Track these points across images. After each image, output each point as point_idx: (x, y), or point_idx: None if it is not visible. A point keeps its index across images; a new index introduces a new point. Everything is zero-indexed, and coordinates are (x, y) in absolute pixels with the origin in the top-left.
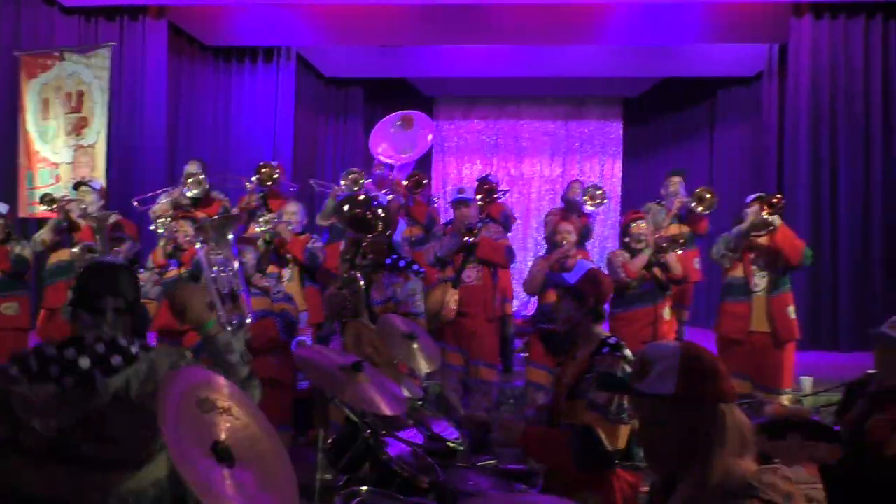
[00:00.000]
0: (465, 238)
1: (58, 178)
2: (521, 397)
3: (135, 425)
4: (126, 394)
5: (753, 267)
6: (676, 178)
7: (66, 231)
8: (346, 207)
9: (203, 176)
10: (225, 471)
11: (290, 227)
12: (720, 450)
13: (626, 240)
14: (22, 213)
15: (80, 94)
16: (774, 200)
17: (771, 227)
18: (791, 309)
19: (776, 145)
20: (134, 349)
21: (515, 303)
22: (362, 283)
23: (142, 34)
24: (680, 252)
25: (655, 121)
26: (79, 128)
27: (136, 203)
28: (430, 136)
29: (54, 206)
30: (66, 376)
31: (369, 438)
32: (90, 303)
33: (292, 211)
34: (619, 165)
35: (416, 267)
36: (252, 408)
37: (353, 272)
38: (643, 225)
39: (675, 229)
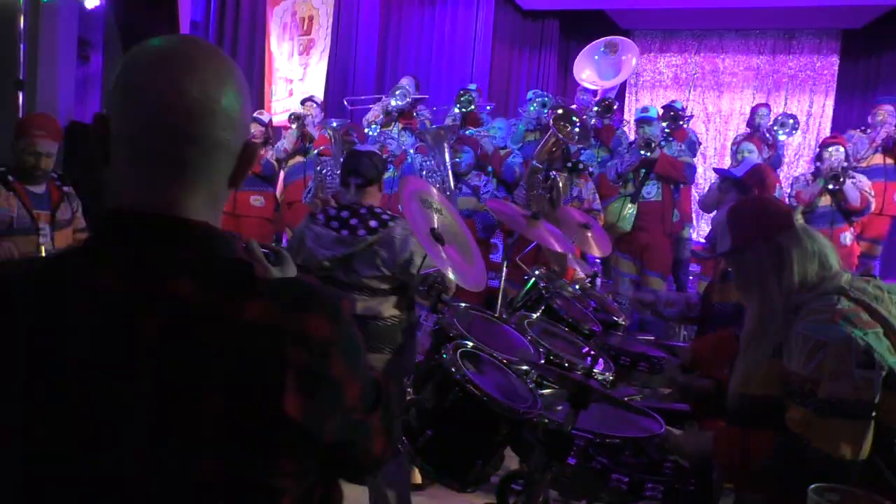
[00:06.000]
0: (644, 152)
1: (290, 93)
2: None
3: (373, 267)
4: (371, 248)
5: None
6: (887, 107)
7: (301, 140)
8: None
9: (410, 90)
10: (439, 247)
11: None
12: (787, 272)
13: (818, 164)
14: None
15: (311, 19)
16: None
17: None
18: None
19: None
20: (385, 217)
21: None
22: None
23: None
24: (855, 181)
25: (878, 55)
26: (308, 48)
27: (346, 102)
28: (634, 61)
29: (298, 121)
30: (342, 229)
31: (543, 290)
32: (343, 179)
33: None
34: (830, 104)
35: (583, 167)
36: (454, 210)
37: (552, 174)
38: (839, 150)
39: (877, 159)
